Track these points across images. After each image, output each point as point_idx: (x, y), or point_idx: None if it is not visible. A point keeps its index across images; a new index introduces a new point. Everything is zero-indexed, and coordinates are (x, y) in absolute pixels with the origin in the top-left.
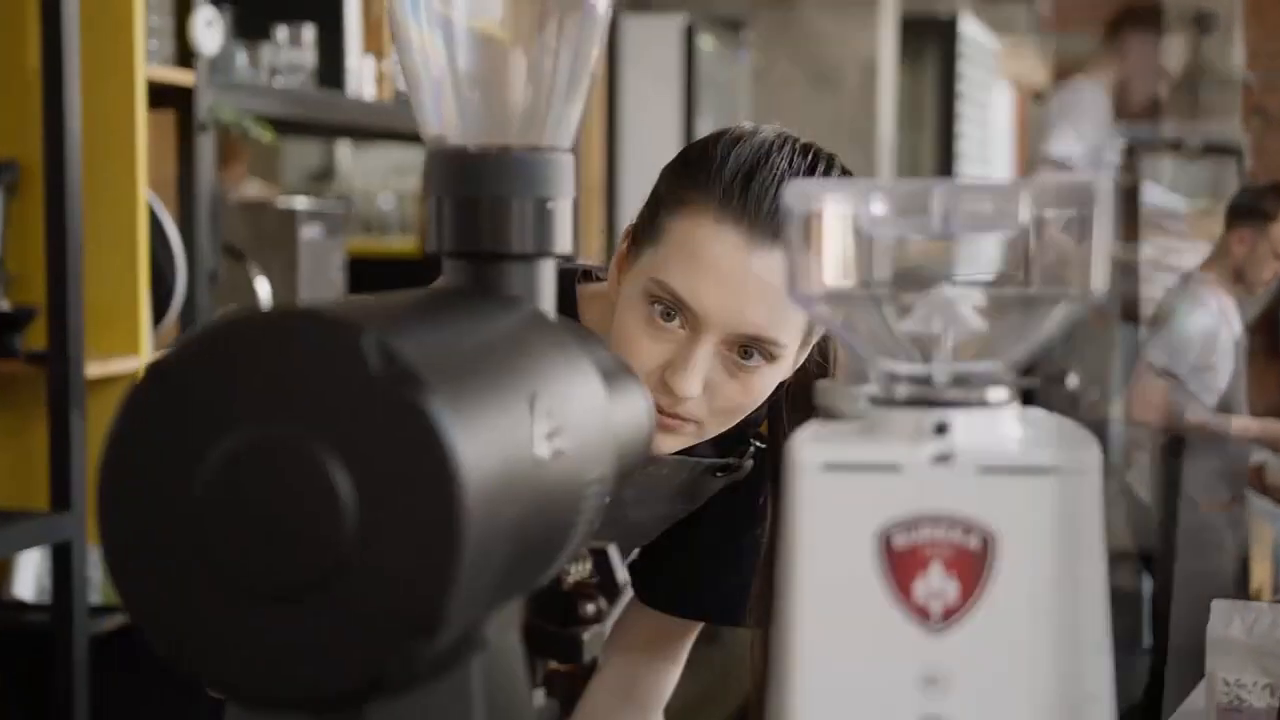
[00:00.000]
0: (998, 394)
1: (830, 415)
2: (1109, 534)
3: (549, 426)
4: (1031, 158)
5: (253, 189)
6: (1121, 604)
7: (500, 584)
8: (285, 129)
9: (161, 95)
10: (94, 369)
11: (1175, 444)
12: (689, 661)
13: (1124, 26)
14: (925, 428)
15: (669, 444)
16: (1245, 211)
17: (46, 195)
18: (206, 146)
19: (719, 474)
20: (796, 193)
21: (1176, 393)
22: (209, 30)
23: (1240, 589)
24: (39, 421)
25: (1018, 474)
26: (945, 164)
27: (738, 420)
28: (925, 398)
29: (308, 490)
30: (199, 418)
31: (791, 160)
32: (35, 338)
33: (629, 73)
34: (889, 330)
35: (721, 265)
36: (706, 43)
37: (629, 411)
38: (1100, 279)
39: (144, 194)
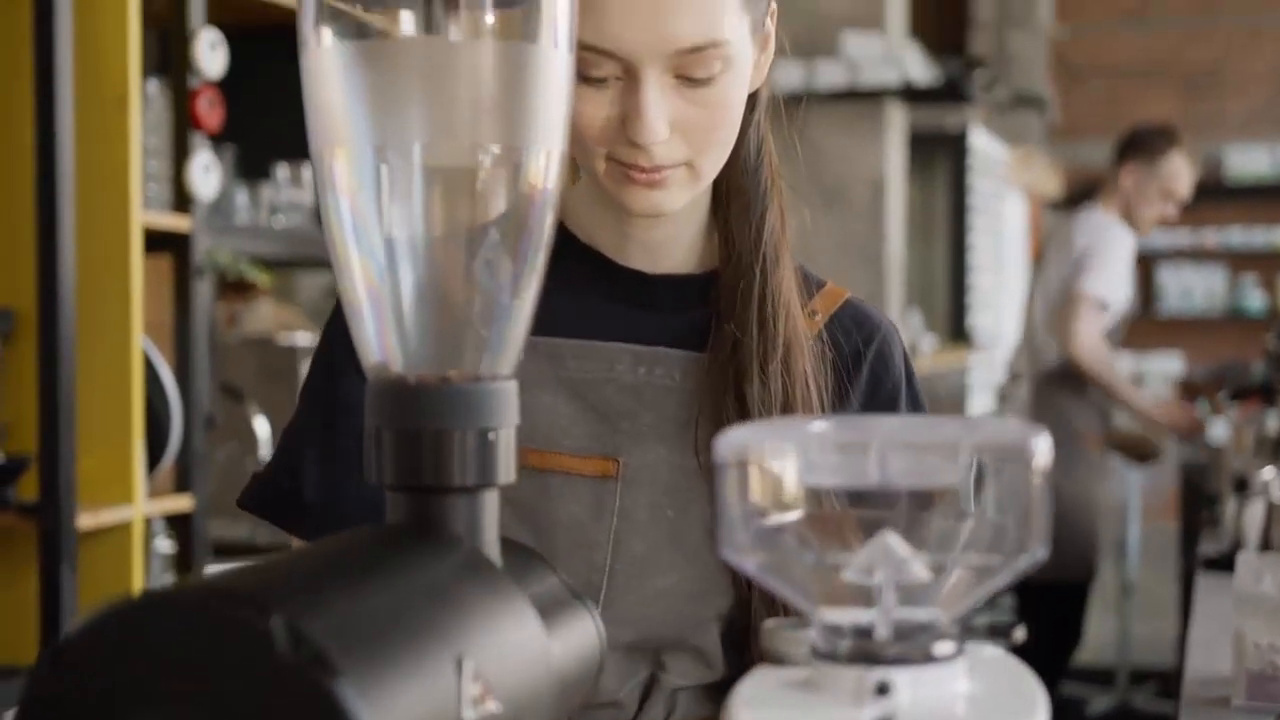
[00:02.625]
0: (944, 648)
1: (775, 659)
2: None
3: (478, 688)
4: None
5: (265, 311)
6: None
7: None
8: (286, 264)
9: (159, 239)
10: (86, 520)
11: (1061, 373)
12: None
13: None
14: (867, 687)
15: (670, 199)
16: (1134, 146)
17: (40, 345)
18: (203, 291)
19: None
20: (729, 443)
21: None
22: (206, 175)
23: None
24: (30, 574)
25: None
26: (958, 275)
27: (730, 146)
28: (867, 653)
29: None
30: (98, 704)
31: None
32: (27, 488)
33: None
34: (829, 579)
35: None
36: None
37: (573, 643)
38: (1040, 537)
39: (139, 341)
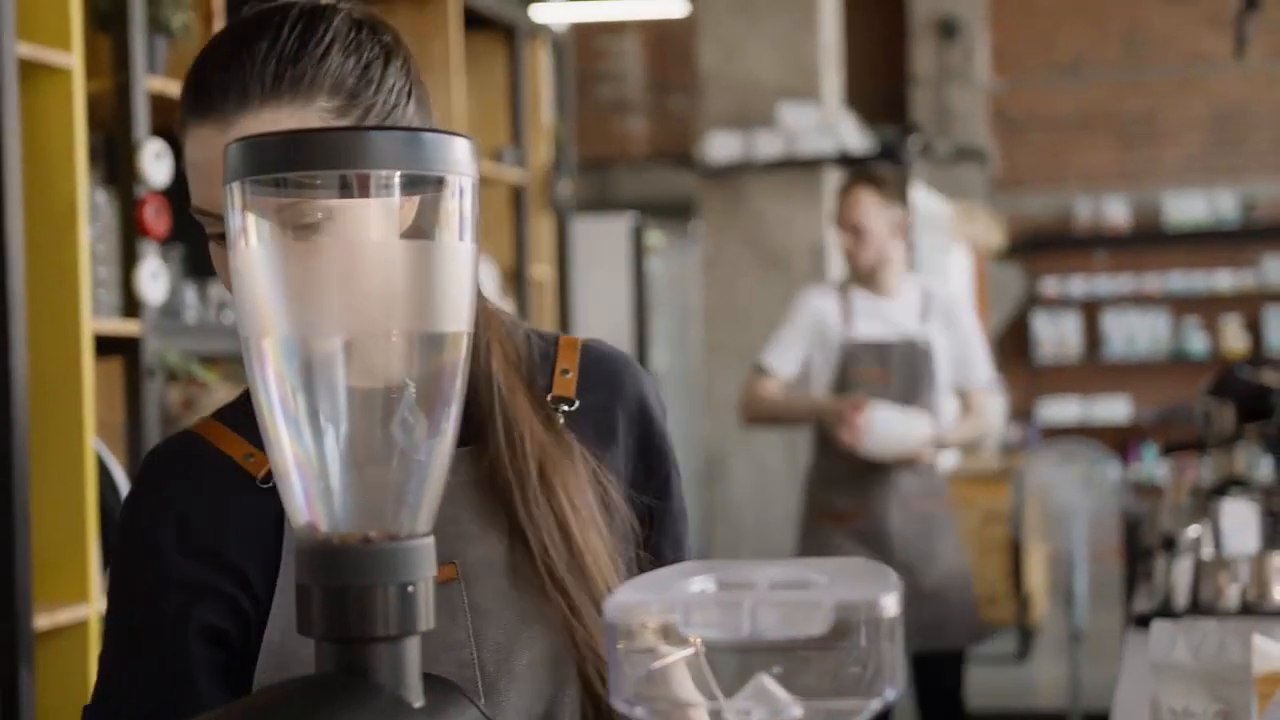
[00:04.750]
0: None
1: None
2: None
3: None
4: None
5: (221, 396)
6: None
7: None
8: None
9: (110, 344)
10: (43, 620)
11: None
12: None
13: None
14: None
15: None
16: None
17: None
18: (153, 392)
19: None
20: (615, 604)
21: (785, 388)
22: (154, 281)
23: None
24: None
25: None
26: None
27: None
28: None
29: None
30: None
31: (242, 25)
32: None
33: (581, 273)
34: None
35: (210, 160)
36: (655, 237)
37: None
38: (891, 680)
39: (91, 443)
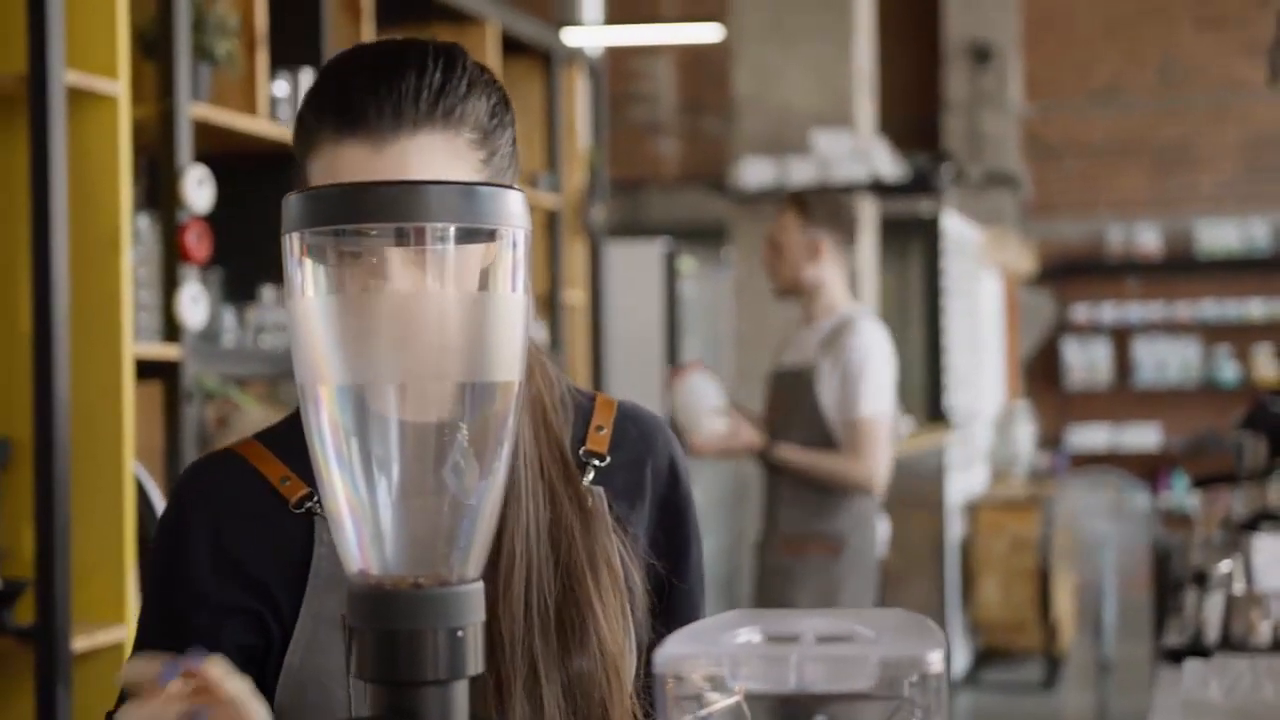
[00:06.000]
0: None
1: None
2: None
3: None
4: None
5: (255, 415)
6: None
7: None
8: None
9: (150, 367)
10: (81, 641)
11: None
12: None
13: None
14: None
15: None
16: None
17: (36, 473)
18: (192, 416)
19: None
20: (664, 656)
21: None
22: (195, 305)
23: None
24: (26, 696)
25: None
26: (934, 356)
27: None
28: None
29: None
30: None
31: (383, 51)
32: (24, 611)
33: (613, 297)
34: None
35: (350, 176)
36: (688, 263)
37: None
38: None
39: (130, 466)
